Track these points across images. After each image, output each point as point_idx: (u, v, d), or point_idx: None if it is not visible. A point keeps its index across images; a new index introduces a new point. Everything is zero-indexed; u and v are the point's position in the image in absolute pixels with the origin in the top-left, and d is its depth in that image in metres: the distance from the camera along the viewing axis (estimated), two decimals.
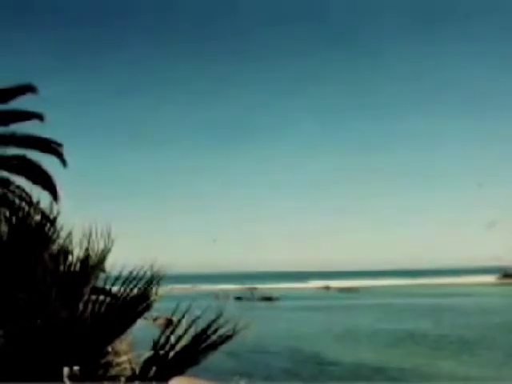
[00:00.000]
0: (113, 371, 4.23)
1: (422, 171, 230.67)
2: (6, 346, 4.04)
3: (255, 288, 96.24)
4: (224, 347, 4.23)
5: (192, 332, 4.17)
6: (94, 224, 4.46)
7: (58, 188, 17.87)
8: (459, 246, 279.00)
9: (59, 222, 4.55)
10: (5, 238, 4.38)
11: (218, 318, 4.18)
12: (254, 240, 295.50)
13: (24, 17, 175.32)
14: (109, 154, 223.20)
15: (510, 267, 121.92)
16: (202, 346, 4.16)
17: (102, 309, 4.25)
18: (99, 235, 4.46)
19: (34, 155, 17.85)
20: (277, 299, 79.35)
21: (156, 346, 4.16)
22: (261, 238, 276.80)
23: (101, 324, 4.20)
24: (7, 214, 4.45)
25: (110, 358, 4.26)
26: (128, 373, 4.21)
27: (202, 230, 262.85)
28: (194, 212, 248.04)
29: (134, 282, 4.32)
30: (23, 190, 16.85)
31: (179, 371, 4.19)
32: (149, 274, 4.36)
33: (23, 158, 17.69)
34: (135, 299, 4.32)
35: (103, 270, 4.56)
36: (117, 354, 4.30)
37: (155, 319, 7.36)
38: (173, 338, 4.17)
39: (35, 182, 17.27)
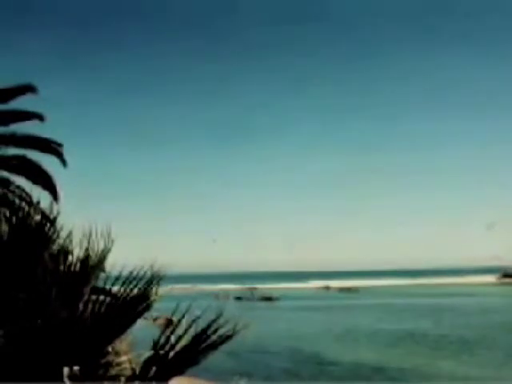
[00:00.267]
0: (113, 371, 4.23)
1: (422, 171, 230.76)
2: (6, 345, 4.04)
3: (255, 288, 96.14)
4: (224, 347, 4.23)
5: (192, 332, 4.17)
6: (94, 224, 4.47)
7: (58, 188, 17.92)
8: (459, 246, 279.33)
9: (59, 222, 4.56)
10: (5, 237, 4.38)
11: (217, 318, 4.19)
12: (254, 240, 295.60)
13: (24, 17, 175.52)
14: (109, 154, 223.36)
15: (510, 267, 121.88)
16: (201, 346, 4.17)
17: (102, 309, 4.25)
18: (99, 235, 4.46)
19: (34, 155, 17.91)
20: (277, 299, 79.30)
21: (156, 345, 4.17)
22: (261, 238, 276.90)
23: (101, 324, 4.20)
24: (7, 213, 4.46)
25: (110, 357, 4.26)
26: (128, 373, 4.21)
27: (201, 229, 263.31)
28: (193, 212, 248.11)
29: (134, 282, 4.33)
30: (23, 190, 16.87)
31: (179, 371, 4.19)
32: (149, 274, 4.36)
33: (23, 158, 17.71)
34: (135, 299, 4.32)
35: (103, 270, 4.56)
36: (117, 353, 4.30)
37: (155, 319, 7.35)
38: (173, 338, 4.17)
39: (35, 182, 17.30)
